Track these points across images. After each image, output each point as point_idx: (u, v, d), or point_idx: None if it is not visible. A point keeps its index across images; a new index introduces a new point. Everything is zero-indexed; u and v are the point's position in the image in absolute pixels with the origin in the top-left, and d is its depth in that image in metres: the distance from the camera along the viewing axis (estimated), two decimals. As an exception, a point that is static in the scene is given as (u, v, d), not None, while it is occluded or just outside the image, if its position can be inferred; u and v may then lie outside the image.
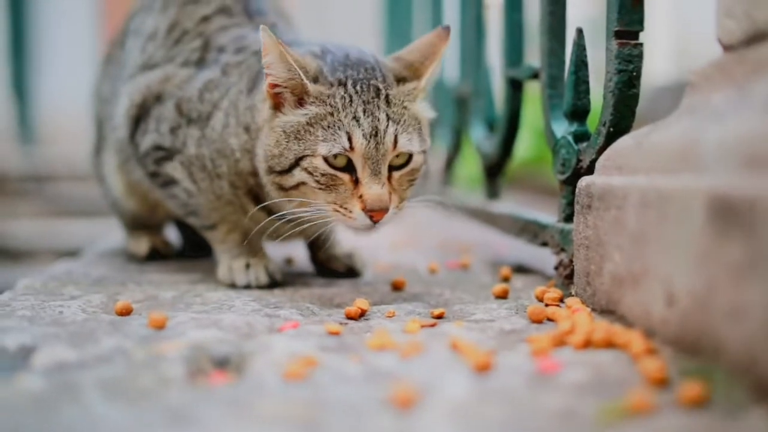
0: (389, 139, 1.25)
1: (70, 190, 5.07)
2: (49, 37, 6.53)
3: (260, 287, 1.48)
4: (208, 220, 1.53)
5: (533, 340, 1.03)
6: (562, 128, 1.42)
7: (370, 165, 1.25)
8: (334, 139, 1.24)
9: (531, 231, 1.53)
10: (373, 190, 1.24)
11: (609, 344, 1.01)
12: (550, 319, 1.18)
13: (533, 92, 1.76)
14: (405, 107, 1.30)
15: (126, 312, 1.23)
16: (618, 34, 1.24)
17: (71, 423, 0.76)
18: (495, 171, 1.88)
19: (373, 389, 0.85)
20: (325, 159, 1.25)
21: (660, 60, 5.39)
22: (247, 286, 1.48)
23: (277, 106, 1.31)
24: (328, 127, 1.25)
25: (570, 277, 1.35)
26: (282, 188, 1.31)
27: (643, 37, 1.26)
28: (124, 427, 0.76)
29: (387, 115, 1.27)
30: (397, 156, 1.28)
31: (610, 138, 1.26)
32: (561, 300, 1.29)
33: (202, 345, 1.00)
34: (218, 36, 1.54)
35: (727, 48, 1.06)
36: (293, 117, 1.28)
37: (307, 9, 1.62)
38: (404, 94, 1.31)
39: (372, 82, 1.29)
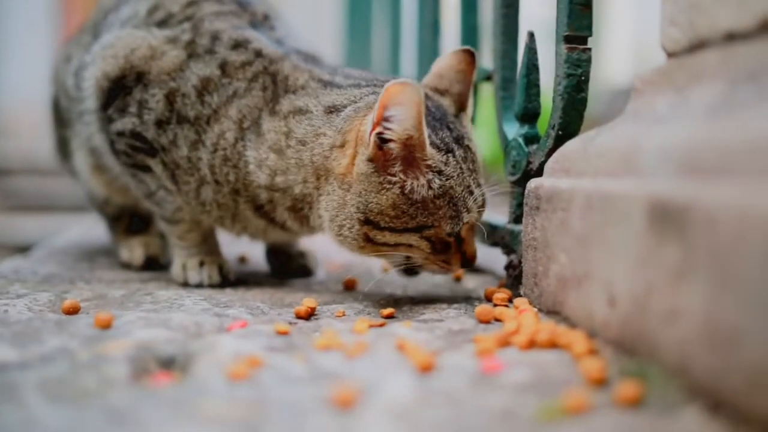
0: (487, 204, 1.31)
1: (26, 185, 4.99)
2: (7, 29, 6.41)
3: (212, 286, 1.47)
4: (172, 215, 1.49)
5: (479, 340, 1.05)
6: (514, 130, 1.44)
7: (469, 225, 1.29)
8: (458, 217, 1.25)
9: (482, 231, 1.54)
10: (473, 248, 1.31)
11: (553, 344, 1.02)
12: (497, 320, 1.20)
13: (489, 94, 1.78)
14: (480, 159, 1.33)
15: (74, 311, 1.22)
16: (567, 39, 1.26)
17: (8, 424, 0.75)
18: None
19: (317, 389, 0.85)
20: (448, 233, 1.26)
21: (618, 63, 5.47)
22: (199, 285, 1.47)
23: (375, 159, 1.21)
24: (451, 203, 1.24)
25: (519, 277, 1.37)
26: (370, 240, 1.25)
27: (601, 41, 1.29)
28: (63, 429, 0.75)
29: (482, 179, 1.30)
30: None
31: (559, 141, 1.28)
32: (510, 300, 1.31)
33: (148, 345, 1.00)
34: (210, 21, 1.44)
35: (671, 55, 1.08)
36: (416, 184, 1.22)
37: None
38: (474, 139, 1.33)
39: (465, 142, 1.29)
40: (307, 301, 1.25)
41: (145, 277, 1.56)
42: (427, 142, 1.21)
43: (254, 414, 0.78)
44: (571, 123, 1.28)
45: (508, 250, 1.42)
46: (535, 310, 1.20)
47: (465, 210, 1.25)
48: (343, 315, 1.25)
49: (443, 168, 1.23)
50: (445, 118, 1.29)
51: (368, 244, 1.26)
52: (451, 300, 1.37)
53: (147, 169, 1.45)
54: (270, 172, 1.34)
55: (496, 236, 1.47)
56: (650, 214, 0.88)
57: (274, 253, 1.65)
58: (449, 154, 1.24)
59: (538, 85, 1.39)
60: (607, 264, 0.98)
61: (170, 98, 1.39)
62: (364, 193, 1.23)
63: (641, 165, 0.96)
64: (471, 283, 1.58)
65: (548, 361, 0.97)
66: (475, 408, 0.82)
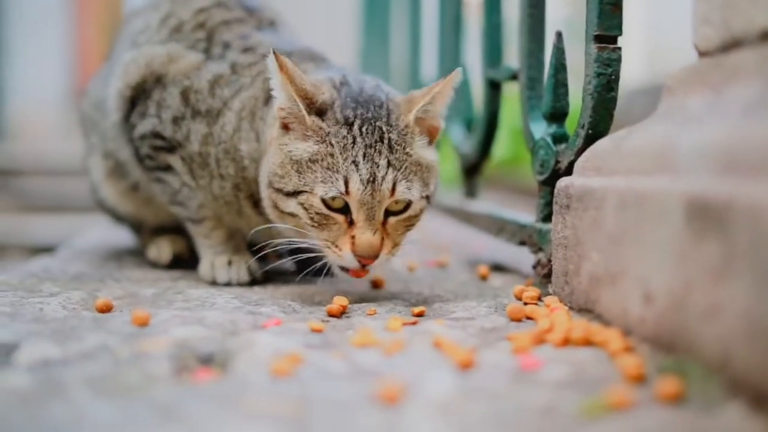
0: (386, 187, 1.23)
1: (39, 186, 5.02)
2: (21, 30, 6.45)
3: (240, 284, 1.48)
4: (196, 214, 1.52)
5: (514, 338, 1.05)
6: (541, 129, 1.44)
7: (365, 210, 1.22)
8: (332, 182, 1.22)
9: (509, 230, 1.55)
10: (365, 236, 1.22)
11: (587, 342, 1.03)
12: (529, 318, 1.21)
13: (510, 93, 1.79)
14: (407, 153, 1.26)
15: (106, 309, 1.23)
16: (597, 39, 1.26)
17: (58, 419, 0.76)
18: (473, 171, 1.91)
19: (359, 386, 0.86)
20: (323, 200, 1.23)
21: (634, 63, 5.46)
22: (228, 284, 1.48)
23: (285, 127, 1.29)
24: (328, 168, 1.23)
25: (548, 276, 1.37)
26: (276, 207, 1.29)
27: (618, 41, 1.29)
28: (112, 423, 0.76)
29: (388, 161, 1.24)
30: (396, 202, 1.25)
31: (589, 140, 1.29)
32: (539, 299, 1.31)
33: (187, 342, 1.01)
34: (222, 31, 1.51)
35: (704, 54, 1.08)
36: (299, 146, 1.26)
37: (283, 7, 1.61)
38: (405, 136, 1.27)
39: (378, 123, 1.26)
40: (339, 300, 1.26)
41: (174, 275, 1.57)
42: (305, 112, 1.24)
43: (300, 410, 0.79)
44: (601, 122, 1.28)
45: (536, 248, 1.42)
46: (567, 308, 1.20)
47: (341, 177, 1.22)
48: (375, 313, 1.25)
49: (330, 138, 1.24)
50: (370, 104, 1.28)
51: (276, 211, 1.30)
52: (479, 298, 1.37)
53: (169, 168, 1.50)
54: (256, 165, 1.39)
55: (523, 235, 1.48)
56: (688, 211, 0.89)
57: (297, 249, 1.66)
58: (344, 127, 1.25)
59: (566, 85, 1.39)
60: (642, 261, 0.99)
61: (185, 94, 1.46)
62: (270, 157, 1.30)
63: (677, 163, 0.96)
64: (497, 281, 1.58)
65: (584, 358, 0.98)
66: (516, 404, 0.82)
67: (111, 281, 1.50)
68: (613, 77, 1.26)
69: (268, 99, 1.39)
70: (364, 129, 1.25)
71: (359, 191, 1.22)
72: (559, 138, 1.39)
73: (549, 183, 1.40)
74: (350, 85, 1.31)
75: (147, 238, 1.78)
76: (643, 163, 1.04)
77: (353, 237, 1.23)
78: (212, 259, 1.52)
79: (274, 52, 1.24)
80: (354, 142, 1.24)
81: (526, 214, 1.56)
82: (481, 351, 1.00)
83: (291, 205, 1.26)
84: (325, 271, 1.61)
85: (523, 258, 1.81)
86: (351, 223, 1.24)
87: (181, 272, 1.61)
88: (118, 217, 1.82)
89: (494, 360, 0.96)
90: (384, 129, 1.26)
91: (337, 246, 1.25)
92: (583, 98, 1.29)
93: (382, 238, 1.24)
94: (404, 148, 1.26)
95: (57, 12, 6.97)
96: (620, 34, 1.27)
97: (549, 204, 1.40)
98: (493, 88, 1.76)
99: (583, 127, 1.30)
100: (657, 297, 0.95)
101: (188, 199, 1.51)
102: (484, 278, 1.61)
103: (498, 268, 1.72)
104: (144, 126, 1.50)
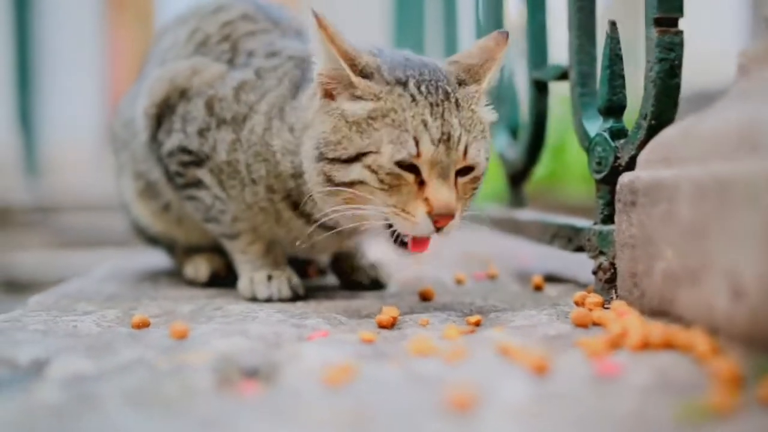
0: (461, 148, 1.15)
1: (75, 221, 5.03)
2: (55, 67, 6.54)
3: (282, 300, 1.41)
4: (231, 228, 1.45)
5: (585, 343, 0.96)
6: (596, 126, 1.35)
7: (438, 169, 1.14)
8: (401, 143, 1.13)
9: (565, 236, 1.46)
10: (442, 193, 1.13)
11: (668, 345, 0.93)
12: (596, 324, 1.11)
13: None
14: (473, 110, 1.20)
15: (143, 326, 1.16)
16: (658, 22, 1.18)
17: (93, 434, 0.69)
18: (520, 178, 1.82)
19: (422, 394, 0.77)
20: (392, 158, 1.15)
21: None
22: (268, 300, 1.41)
23: (328, 95, 1.21)
24: (391, 126, 1.15)
25: (610, 281, 1.28)
26: (331, 180, 1.19)
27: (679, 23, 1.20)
28: (152, 439, 0.69)
29: (459, 120, 1.16)
30: (466, 165, 1.17)
31: (652, 131, 1.20)
32: (602, 305, 1.22)
33: (229, 354, 0.93)
34: (246, 41, 1.47)
35: (781, 28, 0.99)
36: (352, 106, 1.18)
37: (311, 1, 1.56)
38: (470, 97, 1.21)
39: (439, 83, 1.18)
40: (389, 310, 1.17)
41: (212, 293, 1.50)
42: (351, 72, 1.17)
43: (360, 420, 0.70)
44: (665, 111, 1.19)
45: (597, 252, 1.32)
46: (637, 312, 1.11)
47: (410, 137, 1.13)
48: (428, 324, 1.17)
49: (383, 95, 1.16)
50: (423, 68, 1.21)
51: (331, 187, 1.20)
52: (538, 307, 1.28)
53: (200, 183, 1.44)
54: (291, 157, 1.31)
55: (581, 239, 1.38)
56: (782, 193, 0.80)
57: (339, 263, 1.59)
58: (398, 86, 1.17)
59: (622, 76, 1.30)
60: (729, 253, 0.89)
61: (209, 104, 1.41)
62: (317, 128, 1.22)
63: (765, 143, 0.87)
64: (552, 291, 1.49)
65: (667, 362, 0.88)
66: (600, 411, 0.73)
67: (147, 300, 1.43)
68: (676, 62, 1.17)
69: (295, 94, 1.33)
70: (422, 88, 1.17)
71: (431, 151, 1.13)
72: (617, 133, 1.30)
73: (608, 181, 1.31)
74: (389, 54, 1.25)
75: (182, 258, 1.72)
76: (723, 147, 0.95)
77: (426, 198, 1.14)
78: (251, 274, 1.45)
79: (312, 10, 1.17)
80: (416, 101, 1.16)
81: (581, 219, 1.47)
82: (552, 357, 0.91)
83: (354, 171, 1.16)
84: (370, 285, 1.55)
85: (576, 266, 1.72)
86: (421, 183, 1.15)
87: (220, 290, 1.54)
88: (151, 238, 1.77)
89: (569, 365, 0.87)
90: (448, 89, 1.19)
91: (406, 211, 1.15)
92: (645, 86, 1.20)
93: (456, 197, 1.16)
94: (470, 106, 1.19)
95: (91, 49, 7.07)
96: (681, 16, 1.18)
97: (608, 204, 1.31)
98: (540, 89, 1.67)
99: (645, 117, 1.21)
100: (749, 291, 0.85)
101: (221, 213, 1.44)
102: (538, 288, 1.52)
103: (551, 278, 1.63)
104: (171, 142, 1.45)
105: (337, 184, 1.18)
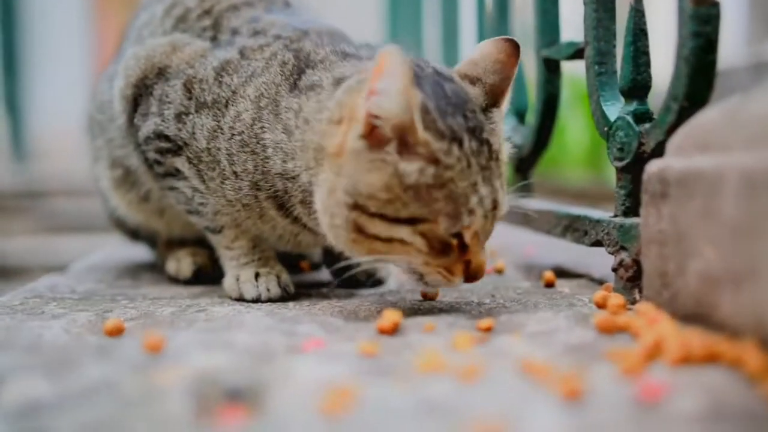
0: (501, 212, 1.10)
1: (64, 206, 4.93)
2: (42, 53, 6.44)
3: (271, 300, 1.28)
4: (214, 222, 1.33)
5: (616, 356, 0.84)
6: (617, 108, 1.23)
7: (482, 236, 1.09)
8: (456, 217, 1.04)
9: (580, 229, 1.34)
10: (482, 258, 1.10)
11: (712, 359, 0.82)
12: (621, 329, 0.99)
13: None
14: (504, 159, 1.10)
15: (117, 332, 1.04)
16: (693, -8, 1.05)
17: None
18: (527, 165, 1.69)
19: (436, 425, 0.66)
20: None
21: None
22: (257, 300, 1.28)
23: (375, 138, 1.04)
24: (449, 198, 1.03)
25: (633, 279, 1.16)
26: (362, 232, 1.07)
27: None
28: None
29: (500, 182, 1.08)
30: None
31: (684, 114, 1.07)
32: (625, 307, 1.10)
33: (210, 372, 0.81)
34: (229, 16, 1.35)
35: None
36: (408, 167, 1.03)
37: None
38: (497, 134, 1.10)
39: (483, 135, 1.07)
40: (391, 314, 1.05)
41: (196, 291, 1.38)
42: (420, 126, 1.02)
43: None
44: (699, 91, 1.06)
45: (617, 247, 1.21)
46: (668, 316, 0.99)
47: (466, 210, 1.04)
48: (433, 329, 1.05)
49: (442, 157, 1.03)
50: (464, 105, 1.08)
51: (359, 236, 1.07)
52: (553, 308, 1.16)
53: (178, 173, 1.32)
54: (283, 156, 1.18)
55: (598, 232, 1.26)
56: None
57: (333, 258, 1.47)
58: (454, 143, 1.04)
59: (648, 54, 1.18)
60: (786, 255, 0.77)
61: (188, 86, 1.27)
62: (354, 174, 1.05)
63: (830, 127, 0.75)
64: (565, 288, 1.37)
65: (715, 381, 0.76)
66: (649, 448, 0.62)
67: (124, 300, 1.31)
68: (712, 37, 1.05)
69: (293, 87, 1.19)
70: (473, 145, 1.05)
71: (481, 223, 1.07)
72: (642, 116, 1.18)
73: (630, 170, 1.19)
74: (423, 76, 1.09)
75: (165, 251, 1.59)
76: (777, 132, 0.83)
77: (467, 261, 1.09)
78: (237, 272, 1.32)
79: (390, 48, 1.00)
80: (469, 165, 1.04)
81: (598, 211, 1.35)
82: (581, 374, 0.79)
83: (401, 232, 1.05)
84: (368, 281, 1.43)
85: (588, 260, 1.61)
86: (461, 246, 1.09)
87: (204, 288, 1.42)
88: (130, 229, 1.64)
89: (603, 386, 0.75)
90: (491, 141, 1.08)
91: (448, 270, 1.10)
92: (676, 64, 1.08)
93: None
94: (502, 156, 1.10)
95: (79, 34, 6.95)
96: (719, -14, 1.06)
97: (631, 195, 1.20)
98: (551, 68, 1.55)
99: (675, 99, 1.09)
100: (811, 300, 0.73)
101: (201, 206, 1.32)
102: (549, 285, 1.40)
103: (561, 272, 1.51)
104: (147, 127, 1.31)
105: (367, 236, 1.07)
